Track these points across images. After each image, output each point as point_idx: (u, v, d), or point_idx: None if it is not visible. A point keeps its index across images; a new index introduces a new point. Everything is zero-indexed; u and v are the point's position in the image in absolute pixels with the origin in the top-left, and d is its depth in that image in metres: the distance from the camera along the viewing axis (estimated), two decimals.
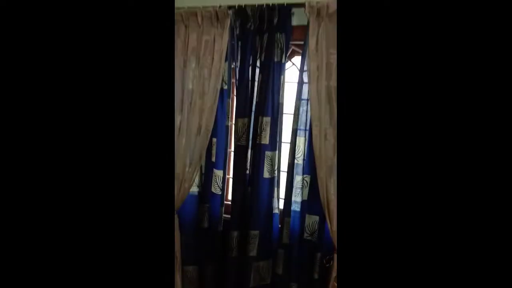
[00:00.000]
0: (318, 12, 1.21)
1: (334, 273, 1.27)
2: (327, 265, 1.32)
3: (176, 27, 1.42)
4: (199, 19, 1.38)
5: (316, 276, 1.34)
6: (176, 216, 1.48)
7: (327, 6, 1.20)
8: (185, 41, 1.42)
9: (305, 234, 1.37)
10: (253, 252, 1.39)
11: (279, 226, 1.41)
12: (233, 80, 1.44)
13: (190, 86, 1.42)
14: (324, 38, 1.22)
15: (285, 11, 1.29)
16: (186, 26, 1.42)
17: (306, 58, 1.27)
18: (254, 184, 1.39)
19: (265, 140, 1.36)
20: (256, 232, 1.39)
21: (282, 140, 1.41)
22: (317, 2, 1.21)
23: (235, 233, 1.41)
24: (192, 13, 1.39)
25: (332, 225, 1.26)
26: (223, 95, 1.42)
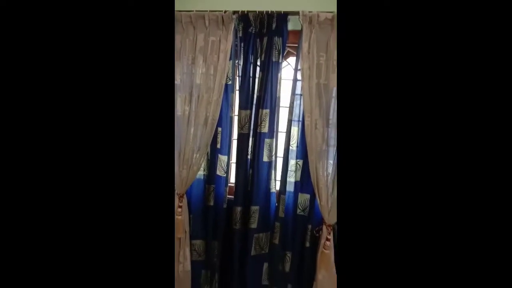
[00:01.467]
0: (310, 20, 1.41)
1: (322, 241, 1.50)
2: (317, 234, 1.53)
3: (185, 27, 1.59)
4: (207, 22, 1.54)
5: (307, 244, 1.55)
6: (185, 196, 1.68)
7: (318, 16, 1.40)
8: (194, 41, 1.57)
9: (298, 210, 1.57)
10: (254, 225, 1.59)
11: (276, 204, 1.61)
12: (237, 77, 1.60)
13: (198, 81, 1.58)
14: (315, 43, 1.41)
15: (282, 18, 1.47)
16: (194, 27, 1.57)
17: (300, 59, 1.45)
18: (254, 167, 1.57)
19: (265, 129, 1.54)
20: (256, 207, 1.58)
21: (279, 129, 1.59)
22: (310, 12, 1.41)
23: (238, 209, 1.60)
24: (200, 16, 1.54)
25: (321, 201, 1.47)
26: (228, 90, 1.58)
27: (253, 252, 1.61)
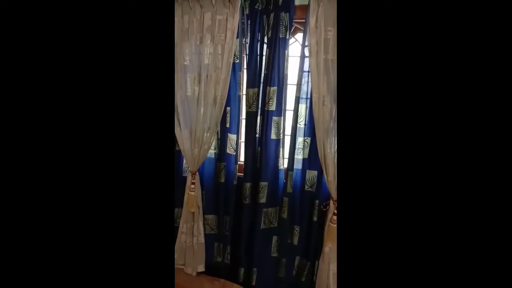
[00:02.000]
0: None
1: (329, 215, 1.55)
2: (324, 209, 1.58)
3: (192, 6, 1.59)
4: (213, 0, 1.56)
5: (315, 218, 1.59)
6: (197, 173, 1.75)
7: None
8: (201, 20, 1.58)
9: (306, 186, 1.61)
10: (263, 200, 1.65)
11: (284, 180, 1.65)
12: (244, 55, 1.61)
13: (206, 61, 1.61)
14: (322, 17, 1.38)
15: None
16: (201, 6, 1.58)
17: (307, 34, 1.43)
18: (263, 145, 1.60)
19: (272, 107, 1.56)
20: (265, 183, 1.64)
21: (287, 107, 1.60)
22: None
23: (248, 184, 1.66)
24: None
25: (328, 176, 1.50)
26: (235, 68, 1.60)
27: (262, 226, 1.68)
